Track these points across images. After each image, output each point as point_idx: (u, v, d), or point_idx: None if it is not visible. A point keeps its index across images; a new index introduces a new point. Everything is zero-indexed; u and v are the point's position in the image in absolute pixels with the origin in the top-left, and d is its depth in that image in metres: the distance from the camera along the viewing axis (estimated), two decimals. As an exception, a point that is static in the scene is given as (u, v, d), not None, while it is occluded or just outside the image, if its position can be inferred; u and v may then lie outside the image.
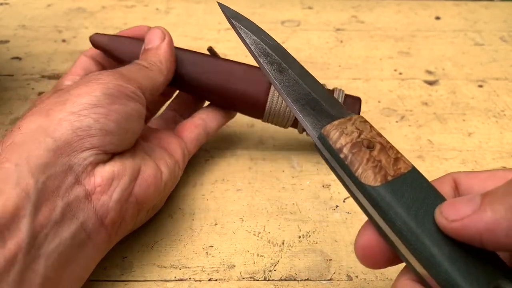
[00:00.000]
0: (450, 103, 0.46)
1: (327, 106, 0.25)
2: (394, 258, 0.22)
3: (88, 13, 0.61)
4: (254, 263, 0.31)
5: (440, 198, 0.21)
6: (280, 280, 0.29)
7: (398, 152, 0.22)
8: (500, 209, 0.18)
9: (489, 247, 0.18)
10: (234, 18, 0.30)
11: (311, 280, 0.30)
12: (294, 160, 0.39)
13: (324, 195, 0.36)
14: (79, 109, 0.26)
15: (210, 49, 0.40)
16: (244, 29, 0.29)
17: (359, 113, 0.37)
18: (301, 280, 0.30)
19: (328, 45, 0.56)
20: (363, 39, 0.57)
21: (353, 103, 0.37)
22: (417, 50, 0.55)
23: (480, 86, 0.49)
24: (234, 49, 0.53)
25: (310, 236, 0.32)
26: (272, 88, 0.37)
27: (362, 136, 0.22)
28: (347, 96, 0.37)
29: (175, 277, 0.30)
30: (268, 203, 0.35)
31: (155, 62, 0.33)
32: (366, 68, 0.51)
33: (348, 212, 0.34)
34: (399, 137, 0.42)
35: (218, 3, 0.32)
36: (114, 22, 0.59)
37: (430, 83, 0.49)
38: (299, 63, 0.27)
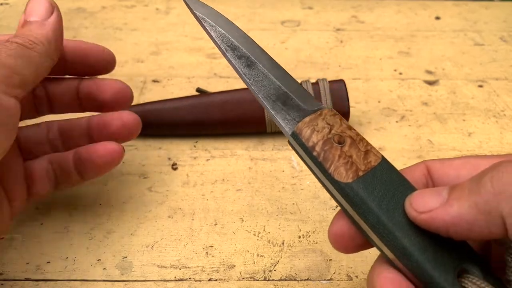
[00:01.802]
0: (450, 103, 0.46)
1: (297, 99, 0.25)
2: (364, 244, 0.23)
3: (88, 13, 0.61)
4: (254, 263, 0.30)
5: (410, 189, 0.21)
6: (280, 280, 0.29)
7: (368, 144, 0.23)
8: (465, 205, 0.19)
9: (456, 238, 0.19)
10: (198, 9, 0.28)
11: (311, 280, 0.29)
12: (294, 160, 0.39)
13: (324, 195, 0.36)
14: None
15: (198, 89, 0.43)
16: (209, 21, 0.27)
17: (346, 94, 0.40)
18: (301, 280, 0.29)
19: (328, 45, 0.56)
20: (363, 39, 0.57)
21: (339, 87, 0.40)
22: (417, 50, 0.55)
23: (480, 86, 0.49)
24: (234, 49, 0.53)
25: (310, 236, 0.32)
26: None
27: (333, 131, 0.23)
28: (331, 82, 0.40)
29: (175, 277, 0.30)
30: (268, 203, 0.35)
31: (40, 40, 0.26)
32: (366, 68, 0.51)
33: (348, 212, 0.34)
34: (399, 137, 0.42)
35: None
36: (114, 22, 0.59)
37: (430, 83, 0.49)
38: (268, 55, 0.27)
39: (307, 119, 0.23)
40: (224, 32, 0.27)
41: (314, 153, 0.22)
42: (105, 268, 0.30)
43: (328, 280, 0.29)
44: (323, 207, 0.35)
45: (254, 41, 0.27)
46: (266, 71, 0.26)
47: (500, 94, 0.47)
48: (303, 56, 0.53)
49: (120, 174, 0.37)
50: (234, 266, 0.30)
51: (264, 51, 0.27)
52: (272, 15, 0.61)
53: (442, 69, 0.51)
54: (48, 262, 0.30)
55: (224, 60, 0.51)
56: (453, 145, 0.41)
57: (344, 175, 0.21)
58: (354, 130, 0.23)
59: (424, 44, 0.56)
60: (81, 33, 0.57)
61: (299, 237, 0.32)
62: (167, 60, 0.52)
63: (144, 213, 0.34)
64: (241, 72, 0.26)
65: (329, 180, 0.22)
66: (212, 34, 0.27)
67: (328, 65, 0.52)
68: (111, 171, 0.37)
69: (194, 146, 0.40)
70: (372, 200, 0.21)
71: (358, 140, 0.23)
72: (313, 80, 0.42)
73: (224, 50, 0.26)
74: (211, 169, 0.38)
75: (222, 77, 0.49)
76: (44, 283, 0.29)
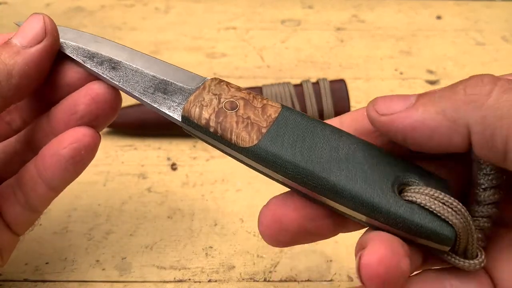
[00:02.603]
0: (451, 103, 0.46)
1: (179, 82, 0.23)
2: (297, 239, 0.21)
3: (87, 12, 0.61)
4: (254, 264, 0.30)
5: (320, 125, 0.21)
6: (280, 281, 0.29)
7: (263, 98, 0.22)
8: (431, 110, 0.18)
9: (411, 147, 0.19)
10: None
11: (311, 281, 0.29)
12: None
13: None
14: None
15: None
16: (60, 39, 0.24)
17: (347, 93, 0.40)
18: (301, 281, 0.29)
19: (328, 44, 0.55)
20: (364, 38, 0.57)
21: (339, 87, 0.40)
22: (418, 49, 0.54)
23: (482, 85, 0.48)
24: (234, 48, 0.53)
25: (310, 236, 0.32)
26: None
27: (222, 99, 0.22)
28: (331, 82, 0.40)
29: (174, 278, 0.29)
30: (268, 203, 0.35)
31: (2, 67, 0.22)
32: (367, 67, 0.51)
33: (348, 213, 0.34)
34: (400, 137, 0.42)
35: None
36: (113, 21, 0.59)
37: (431, 82, 0.49)
38: (140, 52, 0.25)
39: (191, 97, 0.22)
40: (78, 44, 0.24)
41: (211, 129, 0.21)
42: (104, 269, 0.30)
43: (329, 281, 0.29)
44: (323, 207, 0.34)
45: (114, 42, 0.25)
46: (136, 66, 0.24)
47: (501, 94, 0.47)
48: (304, 55, 0.53)
49: (119, 174, 0.37)
50: (234, 267, 0.30)
51: (134, 50, 0.25)
52: (272, 15, 0.61)
53: (443, 69, 0.51)
54: (46, 263, 0.30)
55: (224, 59, 0.51)
56: (454, 145, 0.41)
57: (248, 139, 0.20)
58: (245, 89, 0.22)
59: (425, 43, 0.56)
60: (80, 33, 0.57)
61: (300, 238, 0.32)
62: (166, 59, 0.51)
63: (143, 214, 0.34)
64: (107, 78, 0.23)
65: (237, 150, 0.21)
66: (66, 51, 0.24)
67: (328, 64, 0.52)
68: (110, 171, 0.37)
69: (194, 146, 0.40)
70: (284, 152, 0.20)
71: (252, 99, 0.22)
72: (314, 80, 0.41)
73: (83, 62, 0.24)
74: (210, 169, 0.38)
75: (222, 77, 0.49)
76: (43, 284, 0.29)
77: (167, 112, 0.22)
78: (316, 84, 0.40)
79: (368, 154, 0.20)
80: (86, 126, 0.24)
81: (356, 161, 0.19)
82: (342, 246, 0.31)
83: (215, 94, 0.22)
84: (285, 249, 0.31)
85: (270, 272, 0.30)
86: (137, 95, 0.23)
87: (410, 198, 0.19)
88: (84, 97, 0.24)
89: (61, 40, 0.24)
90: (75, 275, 0.30)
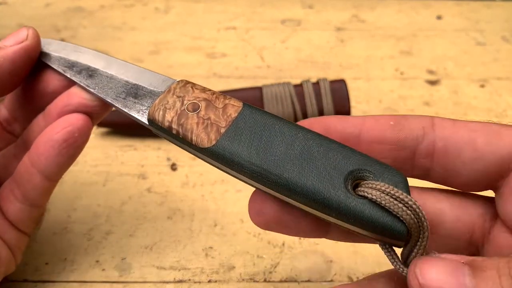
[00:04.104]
0: (452, 103, 0.46)
1: (150, 86, 0.24)
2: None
3: (87, 12, 0.61)
4: (254, 264, 0.30)
5: (278, 122, 0.21)
6: (281, 281, 0.29)
7: (225, 98, 0.22)
8: None
9: None
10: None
11: (311, 281, 0.29)
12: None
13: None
14: None
15: None
16: (44, 51, 0.26)
17: (347, 93, 0.40)
18: (301, 281, 0.29)
19: (329, 44, 0.55)
20: (364, 38, 0.57)
21: (340, 87, 0.40)
22: (419, 49, 0.54)
23: (482, 86, 0.48)
24: (234, 48, 0.53)
25: (310, 237, 0.32)
26: (264, 98, 0.39)
27: (185, 102, 0.22)
28: (332, 82, 0.40)
29: (174, 279, 0.29)
30: (268, 203, 0.35)
31: None
32: (367, 67, 0.51)
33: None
34: (401, 137, 0.41)
35: None
36: (113, 22, 0.59)
37: (432, 83, 0.49)
38: (112, 57, 0.26)
39: (156, 101, 0.22)
40: (59, 55, 0.26)
41: (174, 131, 0.22)
42: (103, 270, 0.30)
43: (329, 281, 0.29)
44: (323, 208, 0.34)
45: (95, 51, 0.26)
46: (111, 73, 0.25)
47: (502, 94, 0.47)
48: (304, 55, 0.53)
49: (119, 174, 0.37)
50: (234, 267, 0.30)
51: (113, 58, 0.26)
52: (272, 14, 0.61)
53: (444, 69, 0.51)
54: (46, 263, 0.30)
55: (224, 59, 0.51)
56: (454, 145, 0.40)
57: (206, 140, 0.21)
58: (209, 90, 0.22)
59: (426, 43, 0.56)
60: (79, 33, 0.56)
61: (300, 238, 0.32)
62: (166, 59, 0.51)
63: (143, 214, 0.34)
64: (84, 86, 0.25)
65: (197, 151, 0.21)
66: (48, 62, 0.26)
67: (328, 64, 0.52)
68: (109, 171, 0.37)
69: (194, 146, 0.40)
70: (241, 151, 0.20)
71: (214, 99, 0.22)
72: (314, 80, 0.41)
73: (63, 71, 0.25)
74: (210, 169, 0.37)
75: (222, 77, 0.49)
76: (43, 284, 0.29)
77: (136, 116, 0.23)
78: (316, 84, 0.40)
79: (324, 150, 0.20)
80: (79, 113, 0.25)
81: (310, 157, 0.20)
82: (343, 246, 0.31)
83: (179, 97, 0.22)
84: (285, 249, 0.31)
85: (270, 272, 0.30)
86: (109, 101, 0.24)
87: (363, 193, 0.19)
88: (78, 89, 0.25)
89: (46, 51, 0.26)
90: (75, 276, 0.29)
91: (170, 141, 0.23)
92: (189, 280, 0.29)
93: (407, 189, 0.19)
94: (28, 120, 0.27)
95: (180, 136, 0.21)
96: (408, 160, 0.21)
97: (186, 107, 0.22)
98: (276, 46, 0.55)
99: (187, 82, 0.23)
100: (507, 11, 0.63)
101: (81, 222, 0.33)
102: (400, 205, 0.18)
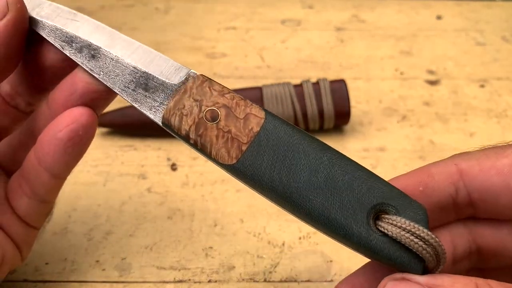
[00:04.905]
0: (452, 103, 0.46)
1: (161, 76, 0.22)
2: None
3: (87, 13, 0.61)
4: (254, 264, 0.30)
5: (304, 141, 0.20)
6: (281, 281, 0.29)
7: (246, 105, 0.21)
8: None
9: None
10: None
11: (311, 281, 0.29)
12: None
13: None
14: None
15: None
16: (35, 17, 0.23)
17: (347, 93, 0.40)
18: (301, 281, 0.29)
19: (329, 44, 0.55)
20: (364, 38, 0.57)
21: (340, 87, 0.40)
22: (419, 49, 0.54)
23: (482, 86, 0.48)
24: (234, 48, 0.53)
25: (310, 237, 0.32)
26: (264, 98, 0.39)
27: (203, 107, 0.21)
28: (331, 82, 0.40)
29: (174, 279, 0.29)
30: (268, 204, 0.35)
31: None
32: (367, 67, 0.51)
33: (349, 213, 0.34)
34: (401, 137, 0.41)
35: None
36: (113, 22, 0.59)
37: (432, 83, 0.49)
38: (112, 30, 0.23)
39: (171, 104, 0.21)
40: (54, 24, 0.22)
41: (191, 141, 0.21)
42: (104, 269, 0.30)
43: (329, 281, 0.29)
44: (323, 208, 0.34)
45: (96, 21, 0.23)
46: (115, 54, 0.22)
47: (502, 94, 0.47)
48: (304, 55, 0.53)
49: (119, 174, 0.37)
50: (234, 267, 0.30)
51: (113, 30, 0.23)
52: (272, 15, 0.61)
53: (444, 69, 0.51)
54: (46, 263, 0.30)
55: (224, 59, 0.51)
56: (455, 145, 0.40)
57: (227, 158, 0.20)
58: (228, 93, 0.21)
59: (426, 43, 0.56)
60: (80, 33, 0.56)
61: (300, 238, 0.32)
62: (166, 59, 0.51)
63: (143, 214, 0.34)
64: (87, 69, 0.22)
65: (217, 165, 0.21)
66: (41, 32, 0.22)
67: (328, 64, 0.52)
68: (109, 171, 0.37)
69: (194, 146, 0.40)
70: (263, 174, 0.19)
71: (235, 106, 0.20)
72: (314, 80, 0.41)
73: (61, 47, 0.22)
74: (210, 169, 0.38)
75: (222, 77, 0.49)
76: (43, 284, 0.29)
77: (148, 114, 0.22)
78: (316, 84, 0.40)
79: (348, 179, 0.19)
80: (82, 106, 0.23)
81: (334, 187, 0.19)
82: (343, 246, 0.31)
83: (196, 100, 0.21)
84: (285, 249, 0.31)
85: (270, 272, 0.30)
86: (118, 92, 0.22)
87: (383, 230, 0.18)
88: (82, 73, 0.23)
89: (38, 18, 0.22)
90: (75, 276, 0.29)
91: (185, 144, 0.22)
92: (189, 280, 0.29)
93: (426, 225, 0.19)
94: (31, 95, 0.25)
95: (199, 147, 0.21)
96: (451, 212, 0.21)
97: (205, 115, 0.21)
98: (276, 46, 0.55)
99: (204, 80, 0.21)
100: (507, 11, 0.63)
101: (81, 222, 0.33)
102: (420, 242, 0.18)
